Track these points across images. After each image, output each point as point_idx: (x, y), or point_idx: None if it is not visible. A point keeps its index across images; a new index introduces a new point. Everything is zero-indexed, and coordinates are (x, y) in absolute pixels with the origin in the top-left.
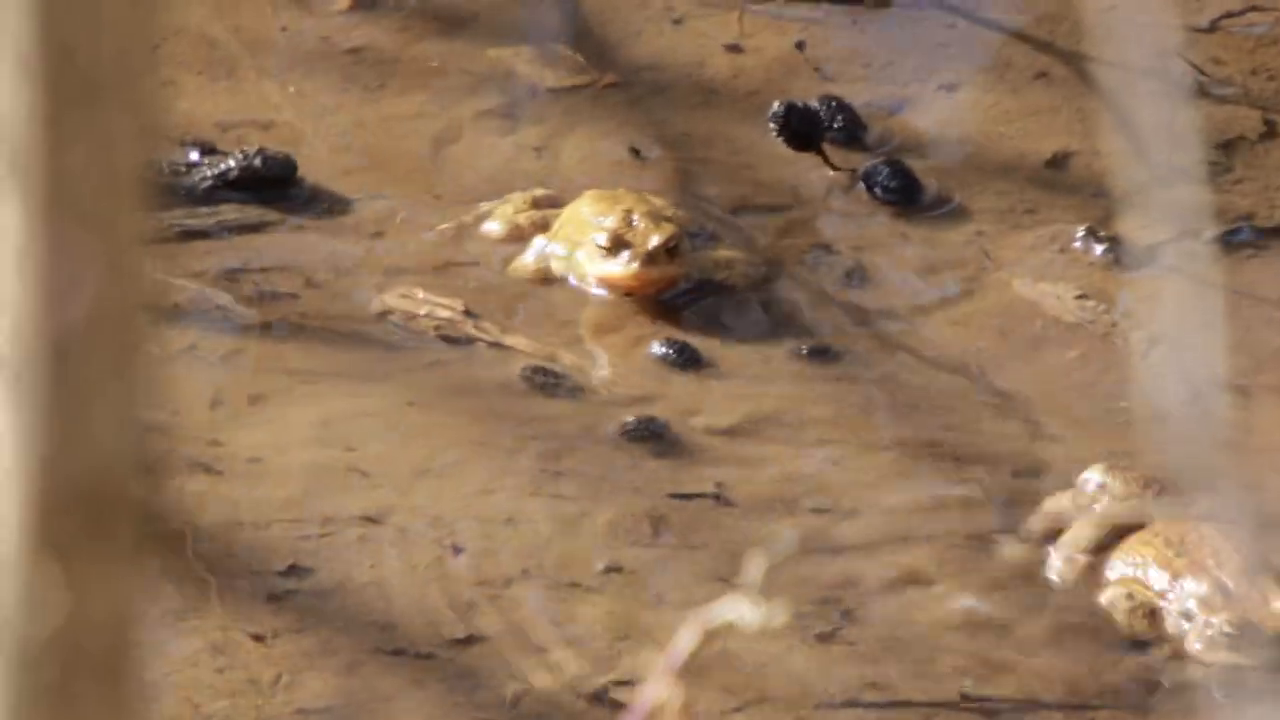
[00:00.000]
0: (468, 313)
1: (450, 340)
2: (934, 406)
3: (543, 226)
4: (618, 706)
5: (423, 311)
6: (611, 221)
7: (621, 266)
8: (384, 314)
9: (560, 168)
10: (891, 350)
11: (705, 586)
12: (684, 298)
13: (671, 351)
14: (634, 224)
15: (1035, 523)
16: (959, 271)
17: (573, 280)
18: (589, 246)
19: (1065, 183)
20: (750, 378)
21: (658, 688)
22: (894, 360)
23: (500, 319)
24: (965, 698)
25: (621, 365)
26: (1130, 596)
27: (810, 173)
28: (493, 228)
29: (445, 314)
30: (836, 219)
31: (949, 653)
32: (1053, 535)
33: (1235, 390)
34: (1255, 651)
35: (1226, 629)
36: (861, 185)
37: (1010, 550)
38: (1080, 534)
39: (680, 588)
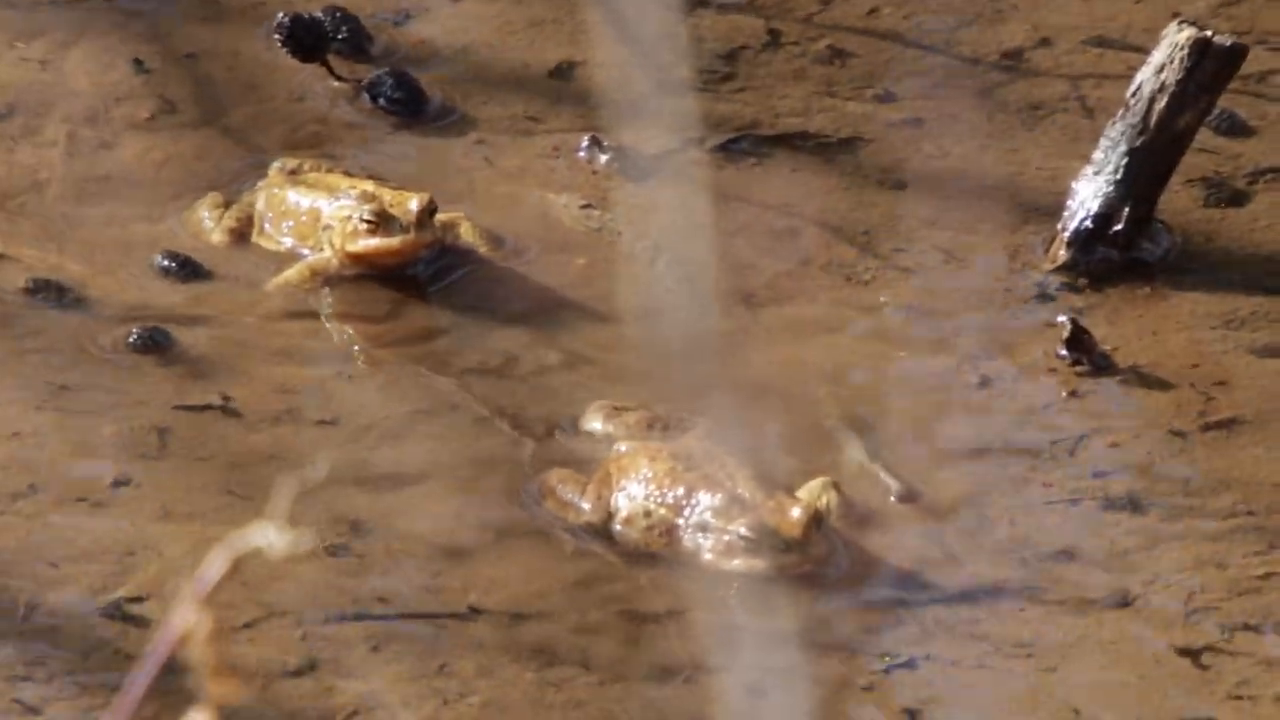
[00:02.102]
0: None
1: None
2: (439, 318)
3: (248, 221)
4: (130, 620)
5: None
6: (358, 199)
7: (394, 238)
8: None
9: (65, 81)
10: None
11: (213, 499)
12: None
13: (174, 264)
14: (377, 198)
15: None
16: (461, 180)
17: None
18: (342, 227)
19: (569, 92)
20: (256, 283)
21: (184, 614)
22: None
23: (3, 229)
24: (474, 610)
25: (126, 278)
26: (648, 514)
27: (316, 83)
28: (214, 237)
29: None
30: (342, 130)
31: (457, 566)
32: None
33: (739, 298)
34: (771, 555)
35: (744, 534)
36: (366, 96)
37: (523, 470)
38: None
39: (188, 501)
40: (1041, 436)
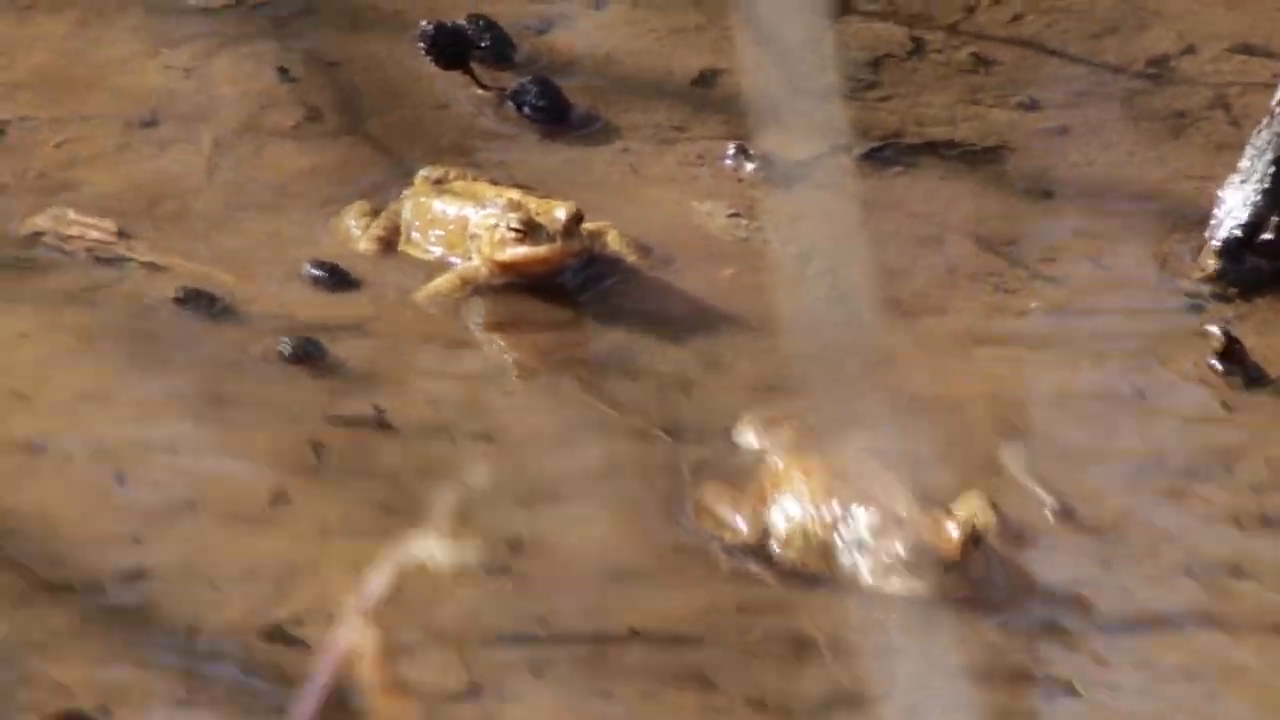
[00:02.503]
0: (121, 233)
1: (104, 261)
2: (588, 328)
3: (395, 230)
4: (293, 641)
5: (75, 232)
6: (504, 205)
7: (542, 246)
8: (36, 235)
9: (210, 88)
10: None
11: (371, 516)
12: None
13: (323, 273)
14: (523, 207)
15: (706, 501)
16: (606, 188)
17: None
18: (489, 236)
19: (714, 100)
20: (405, 292)
21: (351, 631)
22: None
23: (152, 237)
24: (634, 632)
25: (275, 287)
26: (805, 534)
27: (460, 91)
28: (361, 246)
29: (97, 235)
30: (486, 138)
31: (616, 588)
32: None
33: (888, 307)
34: (929, 574)
35: (903, 554)
36: (510, 104)
37: (679, 489)
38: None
39: (346, 518)
40: (1198, 450)
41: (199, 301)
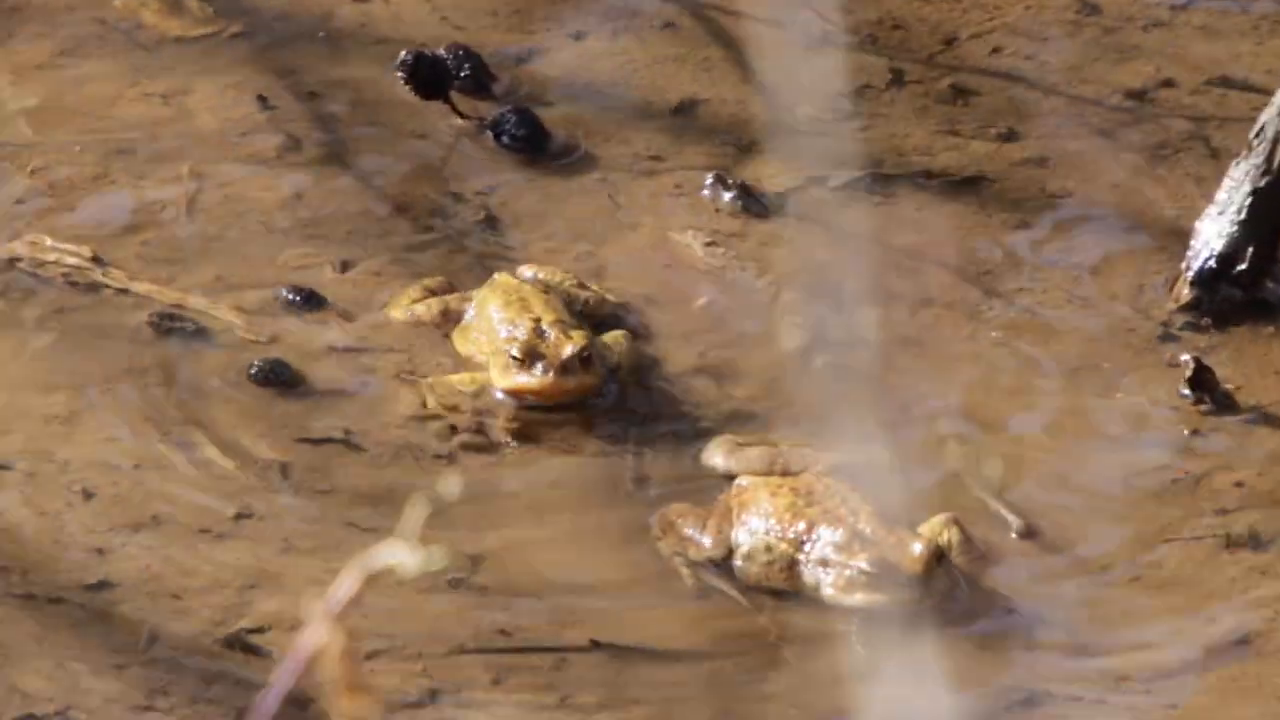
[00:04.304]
0: (96, 259)
1: (79, 286)
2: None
3: (444, 315)
4: (252, 651)
5: (51, 258)
6: (522, 332)
7: (535, 378)
8: (12, 261)
9: (189, 117)
10: None
11: (334, 532)
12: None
13: (298, 297)
14: (544, 334)
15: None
16: (584, 218)
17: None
18: (499, 358)
19: (693, 130)
20: (374, 319)
21: (317, 632)
22: None
23: (129, 264)
24: (595, 644)
25: (250, 312)
26: (768, 549)
27: (439, 121)
28: (394, 315)
29: (73, 260)
30: (465, 168)
31: (578, 600)
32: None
33: (862, 335)
34: (893, 590)
35: (865, 568)
36: (489, 134)
37: (646, 509)
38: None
39: (309, 534)
40: (1164, 474)
41: (172, 326)
